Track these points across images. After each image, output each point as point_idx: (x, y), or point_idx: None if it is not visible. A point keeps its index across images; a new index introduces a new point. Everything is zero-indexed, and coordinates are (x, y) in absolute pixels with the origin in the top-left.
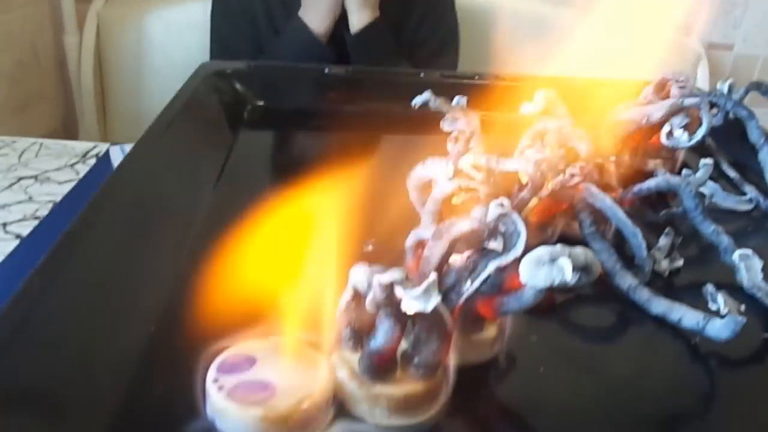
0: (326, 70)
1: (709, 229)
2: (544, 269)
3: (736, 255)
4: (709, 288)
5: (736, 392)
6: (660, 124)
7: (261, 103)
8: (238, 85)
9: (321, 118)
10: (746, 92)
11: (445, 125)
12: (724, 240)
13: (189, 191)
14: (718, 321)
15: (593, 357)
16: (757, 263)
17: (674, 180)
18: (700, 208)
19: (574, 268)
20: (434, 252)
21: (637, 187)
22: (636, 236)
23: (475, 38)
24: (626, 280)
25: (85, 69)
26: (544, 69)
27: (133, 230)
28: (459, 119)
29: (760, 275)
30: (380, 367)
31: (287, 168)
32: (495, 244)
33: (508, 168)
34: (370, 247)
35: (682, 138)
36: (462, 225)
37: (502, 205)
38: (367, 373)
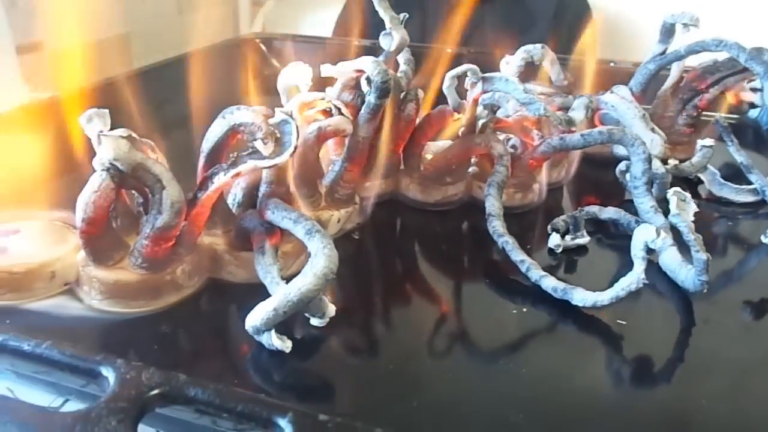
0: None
1: (647, 204)
2: None
3: (672, 191)
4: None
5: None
6: None
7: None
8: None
9: None
10: None
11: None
12: (659, 220)
13: None
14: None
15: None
16: (692, 207)
17: (619, 134)
18: (646, 176)
19: None
20: (213, 130)
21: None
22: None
23: None
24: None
25: None
26: None
27: None
28: None
29: (691, 216)
30: (90, 240)
31: None
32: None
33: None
34: None
35: None
36: (244, 114)
37: (290, 113)
38: (83, 246)
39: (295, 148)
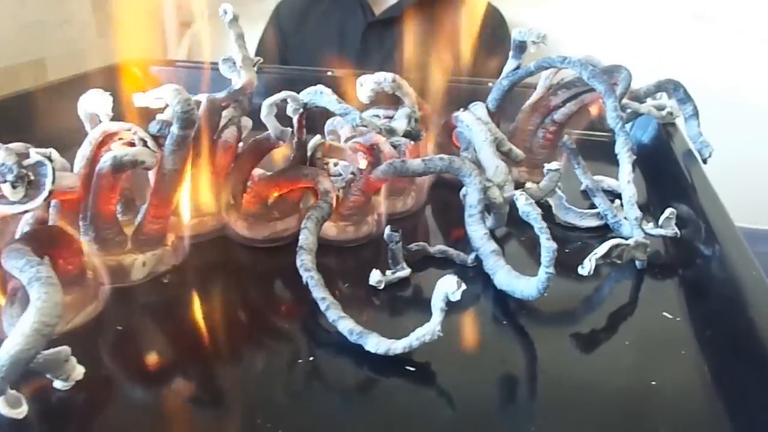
0: None
1: (480, 232)
2: None
3: (518, 192)
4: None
5: None
6: None
7: None
8: None
9: None
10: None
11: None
12: (491, 246)
13: None
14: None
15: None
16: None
17: (458, 163)
18: (480, 205)
19: None
20: None
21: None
22: None
23: None
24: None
25: None
26: None
27: None
28: None
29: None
30: None
31: None
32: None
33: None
34: None
35: None
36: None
37: (48, 156)
38: None
39: (50, 192)
